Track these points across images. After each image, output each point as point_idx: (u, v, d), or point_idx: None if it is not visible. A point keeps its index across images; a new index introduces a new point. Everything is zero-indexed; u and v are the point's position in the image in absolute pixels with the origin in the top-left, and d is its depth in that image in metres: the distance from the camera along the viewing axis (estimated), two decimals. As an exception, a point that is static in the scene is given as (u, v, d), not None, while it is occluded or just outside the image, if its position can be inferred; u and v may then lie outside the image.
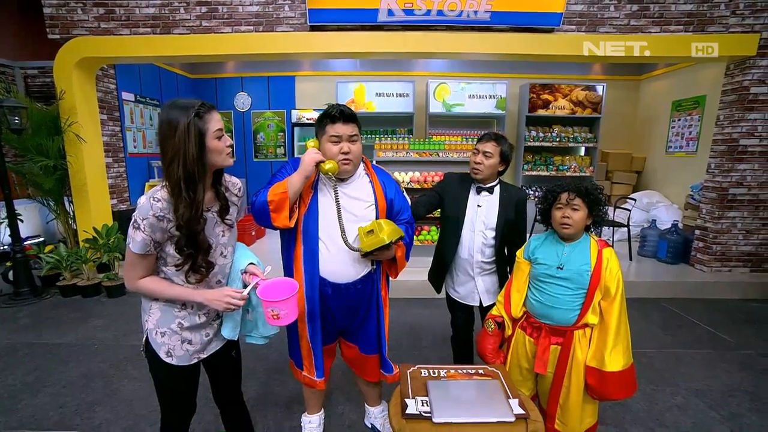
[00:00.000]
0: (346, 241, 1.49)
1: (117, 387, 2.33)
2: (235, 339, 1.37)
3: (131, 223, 1.13)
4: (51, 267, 3.70)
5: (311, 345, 1.63)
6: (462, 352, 2.14)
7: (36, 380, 2.39)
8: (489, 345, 1.68)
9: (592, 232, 1.58)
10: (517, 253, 1.71)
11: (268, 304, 1.22)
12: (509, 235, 1.92)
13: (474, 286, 1.97)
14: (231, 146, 1.22)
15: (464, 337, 2.12)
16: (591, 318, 1.49)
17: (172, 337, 1.25)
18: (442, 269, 2.04)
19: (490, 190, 1.91)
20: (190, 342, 1.27)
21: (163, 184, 1.15)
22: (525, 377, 1.66)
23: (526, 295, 1.64)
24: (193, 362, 1.29)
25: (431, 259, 2.13)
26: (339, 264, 1.55)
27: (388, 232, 1.45)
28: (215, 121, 1.15)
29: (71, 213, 4.16)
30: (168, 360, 1.25)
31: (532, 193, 5.65)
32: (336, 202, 1.49)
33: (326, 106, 1.52)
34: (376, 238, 1.44)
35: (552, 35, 3.73)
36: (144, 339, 1.28)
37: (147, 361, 1.29)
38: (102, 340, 2.93)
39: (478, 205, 1.91)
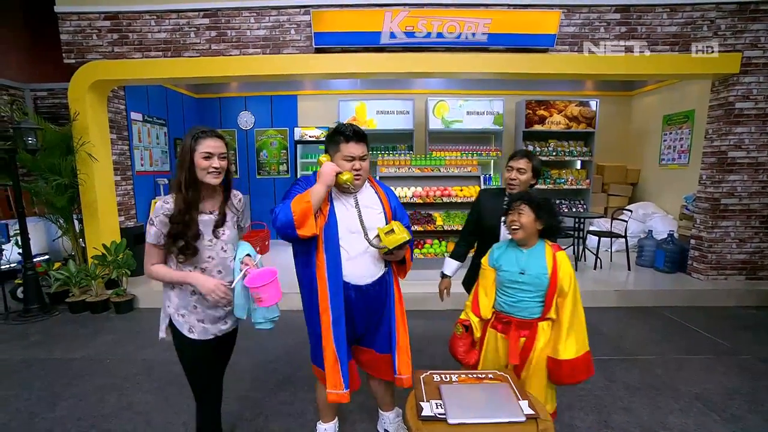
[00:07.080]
0: (369, 241, 1.61)
1: (132, 400, 2.38)
2: (243, 318, 1.59)
3: (148, 220, 1.45)
4: (61, 284, 3.76)
5: (337, 354, 1.63)
6: None
7: (51, 395, 2.43)
8: (460, 347, 1.81)
9: (558, 243, 1.71)
10: (482, 261, 1.85)
11: (251, 290, 1.46)
12: None
13: None
14: (216, 169, 1.45)
15: None
16: (553, 314, 1.66)
17: (191, 316, 1.52)
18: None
19: None
20: (203, 321, 1.53)
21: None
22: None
23: (495, 298, 1.77)
24: (209, 337, 1.55)
25: (433, 272, 2.23)
26: (359, 266, 1.67)
27: (405, 231, 1.63)
28: (204, 145, 1.43)
29: (79, 230, 4.24)
30: (190, 335, 1.51)
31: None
32: (356, 207, 1.63)
33: (336, 124, 1.67)
34: (398, 236, 1.60)
35: (546, 55, 3.92)
36: (167, 323, 1.53)
37: (173, 343, 1.55)
38: (114, 354, 2.97)
39: None
